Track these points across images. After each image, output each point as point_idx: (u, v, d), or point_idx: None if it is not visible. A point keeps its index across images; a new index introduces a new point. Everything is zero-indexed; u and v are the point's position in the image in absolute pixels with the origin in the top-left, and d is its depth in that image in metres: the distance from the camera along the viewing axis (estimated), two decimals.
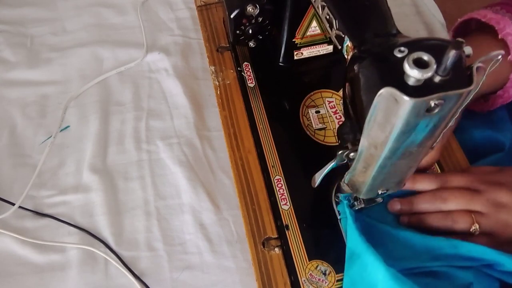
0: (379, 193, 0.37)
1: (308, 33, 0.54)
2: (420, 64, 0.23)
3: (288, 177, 0.48)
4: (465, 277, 0.40)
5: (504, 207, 0.40)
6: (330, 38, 0.55)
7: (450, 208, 0.42)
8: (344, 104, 0.35)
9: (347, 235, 0.41)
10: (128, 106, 0.60)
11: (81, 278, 0.47)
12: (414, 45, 0.26)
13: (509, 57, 0.43)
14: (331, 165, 0.38)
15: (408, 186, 0.44)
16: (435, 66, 0.23)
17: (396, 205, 0.45)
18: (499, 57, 0.26)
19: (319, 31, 0.54)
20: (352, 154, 0.36)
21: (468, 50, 0.26)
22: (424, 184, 0.44)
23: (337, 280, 0.42)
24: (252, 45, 0.54)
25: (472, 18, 0.48)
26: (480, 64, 0.25)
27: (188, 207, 0.51)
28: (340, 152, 0.36)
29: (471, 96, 0.26)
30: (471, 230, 0.40)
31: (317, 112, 0.53)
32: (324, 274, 0.42)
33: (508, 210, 0.40)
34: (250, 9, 0.48)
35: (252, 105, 0.54)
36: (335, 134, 0.51)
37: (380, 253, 0.37)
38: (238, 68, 0.58)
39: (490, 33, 0.45)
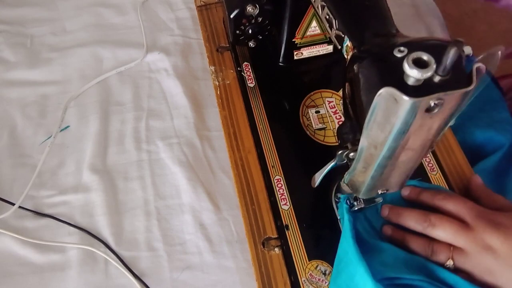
0: (379, 193, 0.37)
1: (308, 33, 0.54)
2: (419, 64, 0.24)
3: (288, 177, 0.48)
4: None
5: (492, 251, 0.36)
6: (330, 38, 0.55)
7: (435, 235, 0.39)
8: (344, 104, 0.35)
9: (340, 242, 0.41)
10: (128, 106, 0.60)
11: (81, 278, 0.47)
12: (414, 45, 0.26)
13: None
14: (331, 165, 0.38)
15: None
16: (434, 66, 0.23)
17: (385, 211, 0.44)
18: (498, 52, 0.26)
19: (319, 31, 0.54)
20: (352, 154, 0.36)
21: (468, 50, 0.26)
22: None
23: None
24: (252, 45, 0.54)
25: None
26: (479, 64, 0.25)
27: (188, 207, 0.51)
28: (340, 152, 0.36)
29: (471, 97, 0.26)
30: (445, 264, 0.38)
31: (317, 112, 0.53)
32: (324, 274, 0.42)
33: (494, 255, 0.36)
34: (250, 9, 0.48)
35: (252, 105, 0.54)
36: (335, 134, 0.51)
37: (366, 259, 0.36)
38: (238, 68, 0.58)
39: None
